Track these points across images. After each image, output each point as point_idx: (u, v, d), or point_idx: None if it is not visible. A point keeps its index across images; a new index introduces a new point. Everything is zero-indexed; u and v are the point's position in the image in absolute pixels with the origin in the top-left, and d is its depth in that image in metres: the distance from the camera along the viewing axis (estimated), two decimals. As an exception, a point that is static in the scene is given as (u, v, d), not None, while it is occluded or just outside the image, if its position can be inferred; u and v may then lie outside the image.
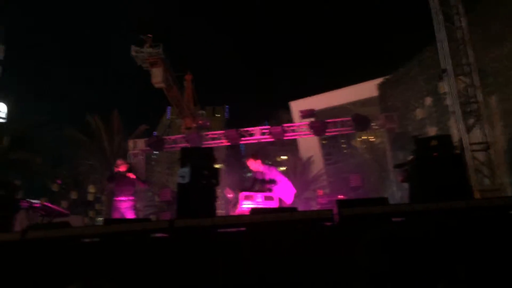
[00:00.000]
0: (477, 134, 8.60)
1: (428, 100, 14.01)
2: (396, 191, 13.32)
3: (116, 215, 8.04)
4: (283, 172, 7.86)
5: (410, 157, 5.04)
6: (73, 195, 19.30)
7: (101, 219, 18.59)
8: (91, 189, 18.45)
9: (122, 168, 8.20)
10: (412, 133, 13.23)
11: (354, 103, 21.77)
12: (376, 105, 18.51)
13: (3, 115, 20.08)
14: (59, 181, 18.52)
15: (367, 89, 20.69)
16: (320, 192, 13.66)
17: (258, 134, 14.15)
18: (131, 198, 8.15)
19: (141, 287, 3.90)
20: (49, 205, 7.19)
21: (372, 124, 14.36)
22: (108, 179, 9.07)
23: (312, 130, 13.88)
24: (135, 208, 8.43)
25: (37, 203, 6.87)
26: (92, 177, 21.15)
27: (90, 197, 18.47)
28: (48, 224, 6.48)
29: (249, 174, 8.08)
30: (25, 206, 6.72)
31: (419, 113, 14.13)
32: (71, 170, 22.71)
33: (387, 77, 17.85)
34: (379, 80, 18.54)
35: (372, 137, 23.79)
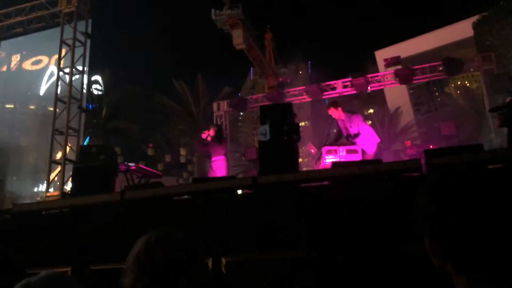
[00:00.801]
0: None
1: (533, 35, 12.47)
2: (495, 138, 12.23)
3: (211, 174, 8.49)
4: (369, 126, 7.57)
5: (509, 99, 4.54)
6: (167, 158, 20.53)
7: (194, 179, 19.59)
8: (183, 151, 19.46)
9: (212, 133, 8.52)
10: (513, 74, 11.93)
11: (446, 47, 20.10)
12: (472, 47, 16.91)
13: (100, 88, 21.66)
14: (151, 145, 19.77)
15: (460, 30, 18.96)
16: (408, 143, 12.97)
17: (340, 87, 13.67)
18: (221, 158, 8.49)
19: (228, 241, 4.06)
20: (144, 167, 7.73)
21: (467, 66, 13.16)
22: (200, 145, 9.40)
23: (398, 79, 13.07)
24: (227, 167, 8.75)
25: (133, 166, 7.42)
26: (183, 140, 22.30)
27: (182, 159, 19.52)
28: (143, 184, 7.00)
29: (334, 130, 7.93)
30: (123, 169, 7.30)
31: (522, 51, 12.66)
32: (164, 135, 24.14)
33: (484, 14, 16.14)
34: (474, 18, 16.86)
35: (468, 82, 21.94)
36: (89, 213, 5.04)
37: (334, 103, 7.19)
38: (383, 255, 3.20)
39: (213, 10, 17.33)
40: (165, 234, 1.31)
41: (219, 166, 8.44)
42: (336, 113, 6.95)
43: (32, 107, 13.50)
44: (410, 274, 3.06)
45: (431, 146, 9.26)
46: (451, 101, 23.06)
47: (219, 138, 8.58)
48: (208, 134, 8.53)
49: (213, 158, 8.52)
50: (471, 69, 13.64)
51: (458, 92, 22.79)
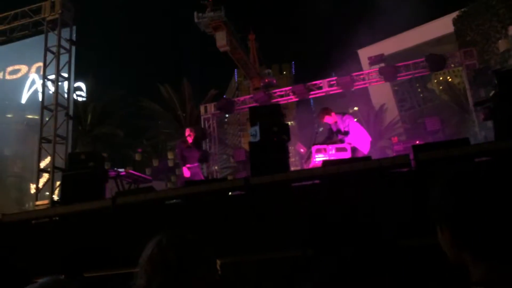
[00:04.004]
0: None
1: (512, 29, 12.73)
2: (479, 131, 12.46)
3: (183, 180, 8.11)
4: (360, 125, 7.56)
5: (492, 93, 4.64)
6: (155, 163, 20.42)
7: (182, 183, 19.52)
8: (170, 155, 19.38)
9: (191, 137, 8.29)
10: (494, 68, 12.18)
11: (428, 43, 20.40)
12: (453, 42, 17.20)
13: (84, 94, 21.45)
14: (139, 150, 19.64)
15: (441, 26, 19.26)
16: (395, 139, 13.14)
17: (326, 86, 13.79)
18: (196, 164, 8.30)
19: (222, 243, 4.07)
20: (134, 172, 7.68)
21: (449, 62, 13.38)
22: (182, 149, 8.90)
23: (382, 76, 13.23)
24: (202, 173, 8.52)
25: (123, 172, 7.37)
26: (170, 144, 22.21)
27: (170, 163, 19.44)
28: (135, 190, 6.96)
29: (321, 129, 7.97)
30: (113, 175, 7.24)
31: (502, 45, 12.90)
32: (150, 140, 24.01)
33: (463, 9, 16.44)
34: (454, 14, 17.16)
35: (450, 77, 22.28)
36: (80, 220, 5.00)
37: (326, 110, 7.05)
38: (378, 250, 3.25)
39: (195, 13, 17.37)
40: (176, 235, 1.34)
41: (196, 173, 8.19)
42: (330, 119, 6.96)
43: (10, 115, 13.25)
44: (407, 268, 3.12)
45: (417, 142, 9.39)
46: (434, 97, 23.39)
47: (198, 143, 8.34)
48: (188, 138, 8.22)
49: (189, 165, 8.15)
50: (453, 65, 13.87)
51: (441, 87, 23.12)
